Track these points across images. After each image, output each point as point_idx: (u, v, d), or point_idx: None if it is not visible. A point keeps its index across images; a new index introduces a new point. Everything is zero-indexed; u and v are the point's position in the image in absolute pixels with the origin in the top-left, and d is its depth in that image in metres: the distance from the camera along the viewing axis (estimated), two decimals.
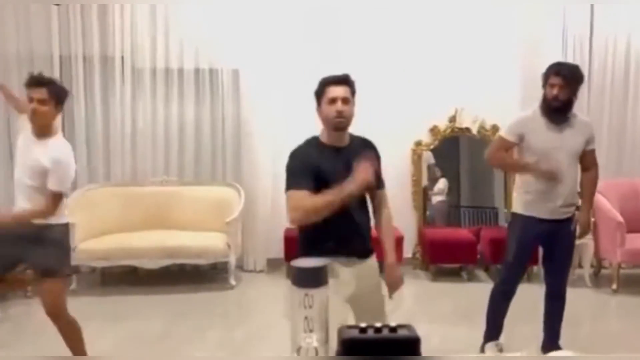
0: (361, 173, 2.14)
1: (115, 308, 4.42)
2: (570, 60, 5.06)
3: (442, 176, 5.89)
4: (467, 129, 5.37)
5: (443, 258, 5.09)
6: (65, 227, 3.01)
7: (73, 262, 4.59)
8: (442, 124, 5.40)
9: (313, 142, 2.36)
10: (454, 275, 5.15)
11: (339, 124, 2.28)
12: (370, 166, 2.18)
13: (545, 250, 3.25)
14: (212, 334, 3.87)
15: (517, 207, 3.19)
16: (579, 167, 3.16)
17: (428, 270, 5.21)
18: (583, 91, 4.51)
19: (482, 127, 5.34)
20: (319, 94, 2.33)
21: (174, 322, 4.07)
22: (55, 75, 4.94)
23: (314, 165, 2.25)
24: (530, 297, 3.41)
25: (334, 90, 2.28)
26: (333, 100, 2.27)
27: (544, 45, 5.13)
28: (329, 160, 2.28)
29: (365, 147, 2.40)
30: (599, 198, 4.63)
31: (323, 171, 2.24)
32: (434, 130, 5.42)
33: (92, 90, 5.10)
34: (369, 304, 2.33)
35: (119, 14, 4.99)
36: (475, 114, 5.33)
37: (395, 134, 5.23)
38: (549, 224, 3.08)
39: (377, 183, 2.39)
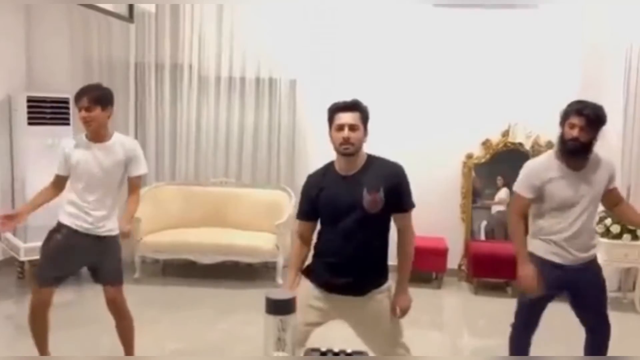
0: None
1: (172, 297, 4.83)
2: (634, 80, 4.93)
3: (505, 185, 5.79)
4: (520, 144, 5.34)
5: (486, 272, 5.11)
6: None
7: (138, 253, 5.12)
8: (495, 137, 5.41)
9: (328, 168, 2.46)
10: (499, 289, 5.16)
11: (345, 150, 2.32)
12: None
13: (570, 297, 2.91)
14: (250, 329, 3.94)
15: (535, 247, 2.85)
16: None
17: (472, 283, 5.25)
18: None
19: (536, 143, 5.29)
20: (329, 119, 2.38)
21: (221, 314, 4.40)
22: (131, 80, 5.45)
23: (317, 194, 2.40)
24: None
25: (342, 117, 2.31)
26: (340, 127, 2.31)
27: (606, 64, 5.01)
28: (332, 189, 2.39)
29: (381, 172, 2.34)
30: None
31: (326, 198, 2.38)
32: (486, 143, 5.44)
33: (162, 96, 5.51)
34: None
35: (188, 27, 5.37)
36: (529, 129, 5.30)
37: (447, 146, 5.36)
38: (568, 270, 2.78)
39: (399, 206, 2.36)
